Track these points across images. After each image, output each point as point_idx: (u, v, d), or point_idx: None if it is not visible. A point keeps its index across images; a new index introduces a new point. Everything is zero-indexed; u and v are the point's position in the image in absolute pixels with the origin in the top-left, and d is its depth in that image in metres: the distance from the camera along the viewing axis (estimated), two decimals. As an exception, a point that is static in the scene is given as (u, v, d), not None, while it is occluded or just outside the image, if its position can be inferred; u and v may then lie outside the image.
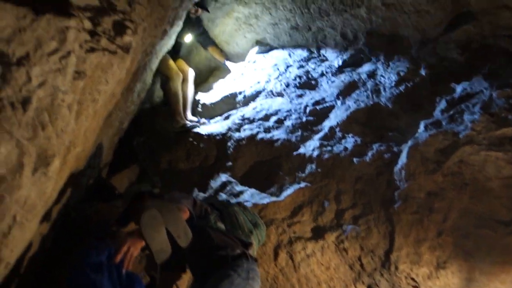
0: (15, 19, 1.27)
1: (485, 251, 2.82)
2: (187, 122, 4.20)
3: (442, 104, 3.16)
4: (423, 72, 3.40)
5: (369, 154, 3.22)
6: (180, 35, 4.26)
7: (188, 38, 4.60)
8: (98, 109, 1.82)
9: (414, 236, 2.93)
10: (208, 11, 4.45)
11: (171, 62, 4.36)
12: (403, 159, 3.04)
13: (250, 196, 3.31)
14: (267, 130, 3.75)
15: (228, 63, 5.04)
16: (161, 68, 4.13)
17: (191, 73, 4.60)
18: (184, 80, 4.46)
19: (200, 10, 4.39)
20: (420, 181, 2.97)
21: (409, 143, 3.07)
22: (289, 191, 3.23)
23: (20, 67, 1.28)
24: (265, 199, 3.22)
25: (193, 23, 4.52)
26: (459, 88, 3.15)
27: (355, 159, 3.22)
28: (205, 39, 4.88)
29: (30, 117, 1.33)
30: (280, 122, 3.79)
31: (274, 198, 3.21)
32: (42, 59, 1.34)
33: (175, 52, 4.49)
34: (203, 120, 4.33)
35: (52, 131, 1.42)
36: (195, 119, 4.35)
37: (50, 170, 1.46)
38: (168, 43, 3.53)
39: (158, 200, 2.21)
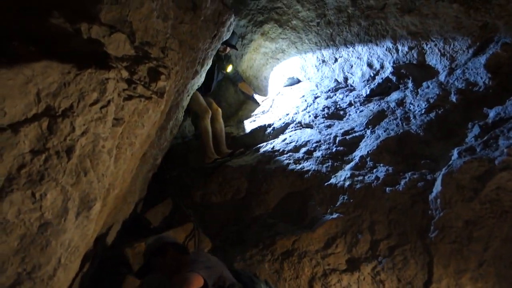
0: (60, 75, 1.38)
1: (531, 282, 2.69)
2: (218, 157, 4.29)
3: (475, 130, 3.10)
4: (453, 98, 3.36)
5: (402, 183, 3.17)
6: (210, 72, 4.42)
7: (219, 74, 4.77)
8: (135, 151, 1.91)
9: (454, 267, 2.83)
10: (236, 48, 4.61)
11: (201, 99, 4.50)
12: (437, 187, 2.98)
13: (282, 228, 3.30)
14: (297, 161, 3.76)
15: (256, 96, 5.15)
16: (191, 105, 4.27)
17: (219, 112, 4.75)
18: (214, 118, 4.59)
19: (228, 48, 4.56)
20: (457, 210, 2.89)
21: (443, 170, 3.01)
22: (321, 223, 3.20)
23: (65, 118, 1.38)
24: (297, 231, 3.21)
25: (222, 59, 4.68)
26: (492, 113, 3.09)
27: (387, 189, 3.18)
28: (235, 75, 5.03)
29: (74, 164, 1.42)
30: (310, 153, 3.80)
31: (306, 230, 3.19)
32: (85, 109, 1.45)
33: (206, 88, 4.65)
34: (239, 150, 4.41)
35: (94, 176, 1.51)
36: (229, 151, 4.44)
37: (92, 213, 1.54)
38: (199, 81, 3.66)
39: (167, 267, 2.18)
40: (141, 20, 1.97)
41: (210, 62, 3.57)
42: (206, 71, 3.67)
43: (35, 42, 1.42)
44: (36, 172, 1.30)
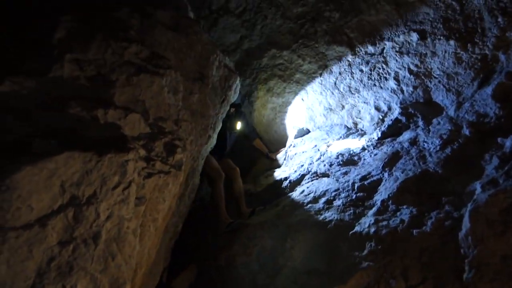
0: (82, 164, 1.43)
1: None
2: (231, 220, 4.29)
3: (495, 161, 3.06)
4: (466, 131, 3.35)
5: (429, 223, 3.09)
6: (222, 132, 4.52)
7: (232, 133, 4.85)
8: (158, 226, 1.92)
9: (497, 307, 2.69)
10: (240, 106, 4.74)
11: (213, 162, 4.55)
12: (466, 224, 2.90)
13: (312, 284, 3.20)
14: (318, 212, 3.72)
15: (271, 153, 5.22)
16: (205, 169, 4.32)
17: (237, 171, 4.79)
18: (233, 178, 4.62)
19: (231, 109, 4.69)
20: (490, 246, 2.78)
21: (469, 206, 2.94)
22: (352, 273, 3.10)
23: (89, 206, 1.41)
24: (328, 285, 3.10)
25: (231, 118, 4.79)
26: (508, 142, 3.06)
27: (414, 231, 3.10)
28: (250, 132, 5.12)
29: (101, 250, 1.43)
30: (329, 202, 3.76)
31: (338, 283, 3.09)
32: (108, 194, 1.48)
33: (221, 149, 4.72)
34: (259, 208, 4.38)
35: (121, 258, 1.51)
36: (249, 210, 4.44)
37: (122, 297, 1.52)
38: (212, 143, 3.72)
39: None
40: (153, 97, 2.06)
41: (220, 124, 3.65)
42: (217, 133, 3.74)
43: (56, 135, 1.48)
44: (65, 264, 1.31)
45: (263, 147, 5.28)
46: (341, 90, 4.43)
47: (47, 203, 1.33)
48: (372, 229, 3.27)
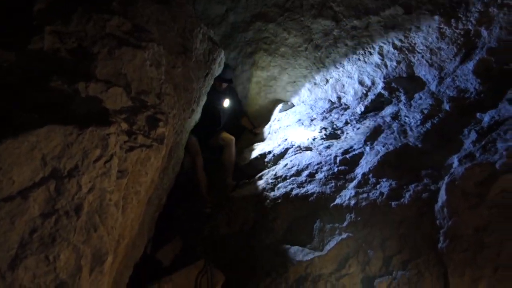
0: (63, 137, 1.43)
1: (548, 282, 2.67)
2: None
3: (472, 136, 3.14)
4: (446, 106, 3.42)
5: (407, 196, 3.18)
6: (214, 108, 4.58)
7: (222, 109, 4.85)
8: (141, 199, 1.95)
9: (469, 275, 2.81)
10: (231, 82, 4.70)
11: (193, 141, 4.62)
12: (442, 196, 2.99)
13: (293, 254, 3.30)
14: (301, 185, 3.79)
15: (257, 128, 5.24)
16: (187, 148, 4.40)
17: (231, 141, 4.85)
18: (226, 146, 4.73)
19: (223, 84, 4.66)
20: (464, 217, 2.89)
21: (446, 179, 3.02)
22: (332, 244, 3.20)
23: (71, 178, 1.43)
24: (309, 255, 3.20)
25: (221, 95, 4.78)
26: (486, 118, 3.14)
27: (393, 203, 3.19)
28: (238, 108, 5.16)
29: (84, 222, 1.46)
30: (312, 175, 3.83)
31: (318, 253, 3.19)
32: (89, 167, 1.49)
33: (215, 125, 4.75)
34: (243, 181, 4.45)
35: (104, 230, 1.54)
36: (234, 183, 4.52)
37: (105, 267, 1.56)
38: (196, 117, 3.72)
39: None
40: (135, 70, 2.04)
41: (205, 98, 3.64)
42: (201, 106, 3.74)
43: (38, 108, 1.48)
44: (47, 235, 1.34)
45: (248, 123, 5.31)
46: (326, 64, 4.43)
47: (28, 176, 1.34)
48: (353, 201, 3.36)
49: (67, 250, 1.38)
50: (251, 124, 5.31)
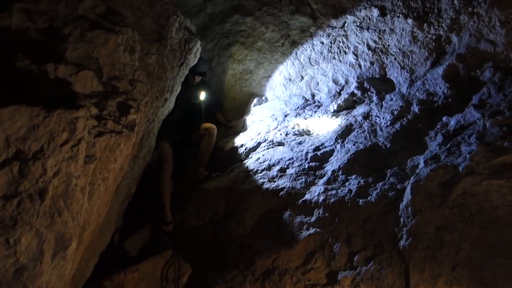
0: (29, 118, 1.40)
1: (503, 280, 2.79)
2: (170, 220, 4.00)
3: (439, 138, 3.24)
4: (416, 108, 3.51)
5: (374, 194, 3.26)
6: (191, 103, 4.53)
7: (197, 103, 4.78)
8: (109, 185, 1.92)
9: (429, 272, 2.91)
10: (204, 75, 4.65)
11: (165, 147, 4.39)
12: (407, 196, 3.08)
13: (261, 247, 3.33)
14: (272, 179, 3.82)
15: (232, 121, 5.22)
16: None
17: (212, 129, 4.72)
18: (206, 134, 4.64)
19: (197, 77, 4.61)
20: (427, 216, 2.99)
21: (412, 179, 3.12)
22: (299, 239, 3.25)
23: (36, 161, 1.39)
24: (276, 248, 3.24)
25: (195, 89, 4.73)
26: (452, 121, 3.25)
27: (360, 201, 3.27)
28: (213, 102, 5.07)
29: (47, 206, 1.43)
30: (283, 170, 3.87)
31: (286, 247, 3.23)
32: (56, 150, 1.46)
33: (198, 120, 4.71)
34: (215, 174, 4.38)
35: (68, 215, 1.51)
36: (206, 173, 4.42)
37: (68, 253, 1.54)
38: (169, 106, 3.68)
39: None
40: (107, 55, 2.00)
41: (179, 88, 3.61)
42: (175, 96, 3.70)
43: (2, 88, 1.43)
44: (9, 218, 1.30)
45: (222, 118, 5.27)
46: (302, 61, 4.47)
47: (-10, 157, 1.30)
48: (321, 198, 3.41)
49: (29, 234, 1.35)
50: (224, 118, 5.30)
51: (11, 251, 1.31)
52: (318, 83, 4.49)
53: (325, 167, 3.71)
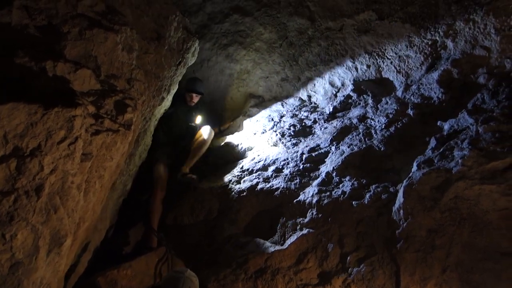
0: (27, 116, 1.42)
1: (492, 284, 2.83)
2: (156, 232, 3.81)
3: (432, 142, 3.28)
4: (410, 112, 3.55)
5: (367, 196, 3.29)
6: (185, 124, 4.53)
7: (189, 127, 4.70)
8: (104, 183, 1.94)
9: (419, 274, 2.95)
10: (202, 93, 4.65)
11: (160, 170, 4.20)
12: (400, 199, 3.12)
13: (255, 246, 3.35)
14: (267, 180, 3.84)
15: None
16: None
17: (208, 131, 4.54)
18: (202, 133, 4.51)
19: (194, 97, 4.58)
20: (419, 219, 3.02)
21: (404, 182, 3.15)
22: (292, 239, 3.28)
23: (33, 158, 1.41)
24: (269, 248, 3.27)
25: (191, 111, 4.70)
26: (446, 126, 3.28)
27: (354, 202, 3.30)
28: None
29: (44, 202, 1.45)
30: (278, 171, 3.89)
31: (278, 247, 3.26)
32: (53, 148, 1.48)
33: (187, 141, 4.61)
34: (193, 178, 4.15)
35: (64, 212, 1.53)
36: (188, 174, 4.20)
37: (63, 249, 1.56)
38: (166, 104, 3.70)
39: None
40: (106, 53, 2.02)
41: (176, 87, 3.62)
42: (172, 95, 3.71)
43: (1, 85, 1.45)
44: (5, 213, 1.32)
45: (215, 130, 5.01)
46: (299, 62, 4.49)
47: (-12, 153, 1.32)
48: (315, 199, 3.44)
49: (25, 230, 1.37)
50: (217, 128, 5.14)
51: (7, 246, 1.32)
52: (314, 85, 4.51)
53: (319, 168, 3.74)
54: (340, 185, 3.48)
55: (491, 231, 2.86)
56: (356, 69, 4.05)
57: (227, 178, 4.12)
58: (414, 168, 3.17)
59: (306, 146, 4.01)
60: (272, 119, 4.60)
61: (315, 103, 4.54)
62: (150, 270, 3.23)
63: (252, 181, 3.89)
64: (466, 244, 2.91)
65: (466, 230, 2.91)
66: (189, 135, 4.64)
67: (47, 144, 1.46)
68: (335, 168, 3.57)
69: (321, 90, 4.46)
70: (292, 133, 4.28)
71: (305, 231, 3.30)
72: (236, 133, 4.82)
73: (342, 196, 3.38)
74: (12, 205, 1.34)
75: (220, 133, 5.07)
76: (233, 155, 4.53)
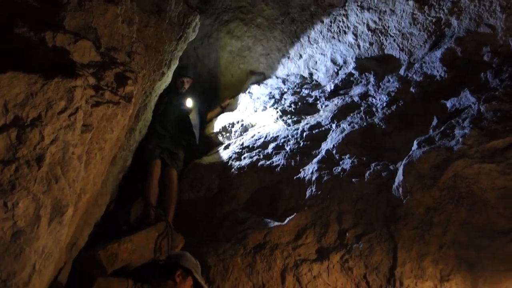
0: (27, 85, 1.41)
1: (487, 261, 2.86)
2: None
3: (434, 121, 3.27)
4: (413, 90, 3.53)
5: (367, 174, 3.31)
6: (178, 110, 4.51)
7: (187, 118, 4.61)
8: (105, 155, 1.95)
9: (416, 251, 2.98)
10: (192, 77, 4.70)
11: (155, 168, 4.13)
12: (399, 176, 3.13)
13: (254, 222, 3.38)
14: (267, 157, 3.85)
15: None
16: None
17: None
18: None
19: (186, 82, 4.62)
20: (418, 197, 3.04)
21: (404, 161, 3.15)
22: (292, 215, 3.30)
23: (33, 128, 1.41)
24: (269, 224, 3.29)
25: (181, 98, 4.67)
26: (448, 104, 3.27)
27: (353, 180, 3.31)
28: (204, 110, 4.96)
29: (45, 172, 1.45)
30: (278, 148, 3.90)
31: (277, 223, 3.28)
32: (53, 118, 1.47)
33: (186, 129, 4.53)
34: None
35: (65, 182, 1.54)
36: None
37: (64, 219, 1.57)
38: (166, 80, 3.68)
39: None
40: (106, 25, 2.00)
41: (177, 63, 3.59)
42: (173, 71, 3.68)
43: (0, 54, 1.44)
44: (7, 182, 1.33)
45: (215, 111, 5.06)
46: (301, 39, 4.44)
47: (-12, 122, 1.32)
48: (315, 176, 3.46)
49: (27, 199, 1.38)
50: (216, 110, 5.08)
51: (9, 214, 1.34)
52: (316, 62, 4.47)
53: (320, 146, 3.74)
54: (340, 163, 3.48)
55: (488, 210, 2.88)
56: (359, 46, 4.01)
57: (227, 154, 4.13)
58: (415, 146, 3.17)
59: (307, 124, 4.00)
60: (273, 97, 4.58)
61: (316, 81, 4.51)
62: (150, 245, 3.26)
63: (252, 157, 3.90)
64: (463, 222, 2.93)
65: (464, 209, 2.93)
66: (182, 121, 4.57)
67: (48, 114, 1.45)
68: (335, 145, 3.58)
69: (322, 68, 4.43)
70: (293, 111, 4.27)
71: (304, 207, 3.32)
72: (236, 110, 4.80)
73: (342, 173, 3.39)
74: (13, 174, 1.34)
75: (221, 110, 5.06)
76: (234, 133, 4.53)
